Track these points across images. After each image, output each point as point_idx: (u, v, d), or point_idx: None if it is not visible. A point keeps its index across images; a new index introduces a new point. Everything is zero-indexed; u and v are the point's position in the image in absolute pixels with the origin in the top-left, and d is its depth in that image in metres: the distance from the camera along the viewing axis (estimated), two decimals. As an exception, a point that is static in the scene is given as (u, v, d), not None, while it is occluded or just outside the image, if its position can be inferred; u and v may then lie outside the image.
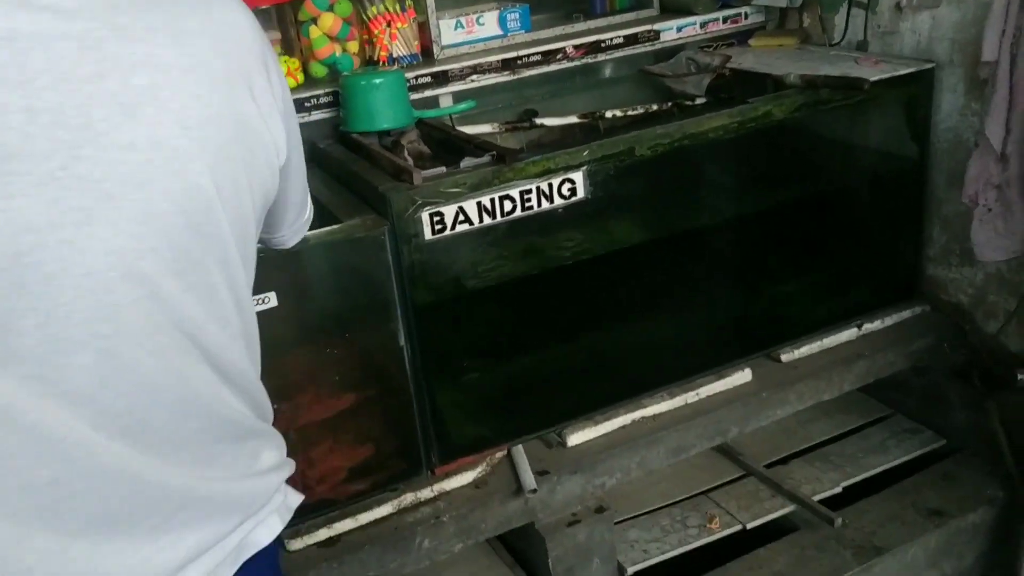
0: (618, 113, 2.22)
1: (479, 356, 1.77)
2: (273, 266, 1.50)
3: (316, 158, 1.99)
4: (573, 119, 2.20)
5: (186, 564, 0.87)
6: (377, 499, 1.71)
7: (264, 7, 2.00)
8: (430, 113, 2.02)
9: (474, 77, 2.12)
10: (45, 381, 0.73)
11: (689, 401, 1.95)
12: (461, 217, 1.63)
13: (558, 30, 2.29)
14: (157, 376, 0.81)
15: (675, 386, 1.96)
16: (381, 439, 1.71)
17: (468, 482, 1.77)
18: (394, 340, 1.65)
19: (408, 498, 1.72)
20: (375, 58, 2.12)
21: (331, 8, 2.04)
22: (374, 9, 2.09)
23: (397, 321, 1.64)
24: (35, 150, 0.70)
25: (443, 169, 1.66)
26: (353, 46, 2.10)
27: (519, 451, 1.82)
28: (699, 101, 2.23)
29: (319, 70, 2.08)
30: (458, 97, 2.13)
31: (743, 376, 2.01)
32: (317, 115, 1.99)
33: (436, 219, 1.61)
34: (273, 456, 1.01)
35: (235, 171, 0.84)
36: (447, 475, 1.76)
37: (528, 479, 1.73)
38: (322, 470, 1.68)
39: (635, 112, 2.24)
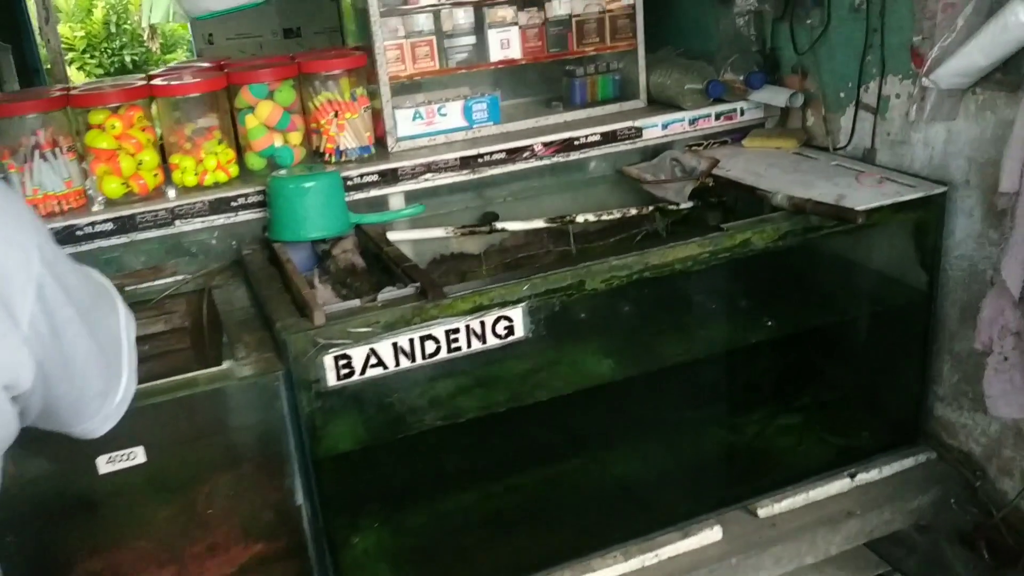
0: (591, 217, 2.00)
1: (393, 513, 1.54)
2: (142, 416, 1.28)
3: (239, 265, 1.79)
4: (540, 223, 1.97)
5: None
6: None
7: (196, 95, 1.81)
8: (371, 219, 1.81)
9: (428, 176, 1.91)
10: None
11: (647, 564, 1.70)
12: (373, 360, 1.40)
13: (529, 123, 2.07)
14: None
15: (631, 544, 1.72)
16: (276, 607, 1.48)
17: (375, 660, 1.53)
18: (290, 498, 1.42)
19: None
20: (321, 150, 1.92)
21: (271, 96, 1.85)
22: (321, 97, 1.90)
23: (294, 477, 1.41)
24: None
25: (357, 303, 1.44)
26: (295, 137, 1.90)
27: (439, 623, 1.58)
28: (684, 205, 2.01)
29: (256, 162, 1.89)
30: (411, 197, 1.92)
31: (712, 535, 1.75)
32: (245, 215, 1.80)
33: (342, 363, 1.38)
34: None
35: None
36: (351, 650, 1.52)
37: (442, 663, 1.49)
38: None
39: (611, 216, 2.02)
